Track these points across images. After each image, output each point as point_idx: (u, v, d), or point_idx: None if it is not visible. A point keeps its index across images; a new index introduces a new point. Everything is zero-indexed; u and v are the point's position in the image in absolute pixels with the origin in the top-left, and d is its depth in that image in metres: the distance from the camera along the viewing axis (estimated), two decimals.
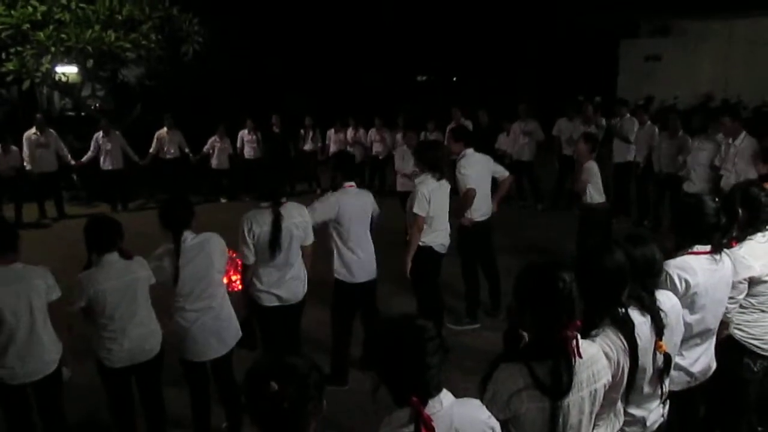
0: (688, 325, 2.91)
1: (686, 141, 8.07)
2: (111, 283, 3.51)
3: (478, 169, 5.77)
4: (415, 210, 5.12)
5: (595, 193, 6.38)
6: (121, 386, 3.71)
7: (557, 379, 2.06)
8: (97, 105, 14.08)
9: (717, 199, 3.10)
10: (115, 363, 3.61)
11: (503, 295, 5.96)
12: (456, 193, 5.62)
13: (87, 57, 11.63)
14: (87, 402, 4.35)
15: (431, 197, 5.12)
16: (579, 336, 2.14)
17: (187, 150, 11.92)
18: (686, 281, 2.91)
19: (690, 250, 3.00)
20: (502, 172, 6.04)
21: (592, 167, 6.38)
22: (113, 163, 11.08)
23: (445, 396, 1.90)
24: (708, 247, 3.00)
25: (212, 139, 12.10)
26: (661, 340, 2.50)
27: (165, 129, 11.77)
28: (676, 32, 22.28)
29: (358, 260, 4.77)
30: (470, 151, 5.83)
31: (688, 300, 2.93)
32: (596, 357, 2.22)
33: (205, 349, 3.86)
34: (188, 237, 3.75)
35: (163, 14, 12.24)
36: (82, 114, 13.89)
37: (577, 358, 2.10)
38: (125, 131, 11.58)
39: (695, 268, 2.95)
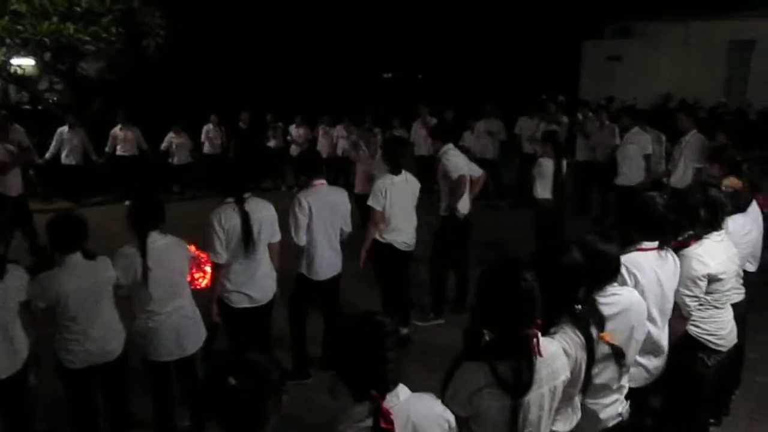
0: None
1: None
2: (74, 284, 3.43)
3: (460, 162, 5.85)
4: (370, 202, 5.17)
5: (540, 189, 6.67)
6: (83, 388, 3.64)
7: (518, 377, 2.09)
8: (55, 99, 13.73)
9: (665, 195, 3.21)
10: (76, 364, 3.54)
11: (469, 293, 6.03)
12: (423, 192, 5.65)
13: (44, 49, 11.32)
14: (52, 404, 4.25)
15: (388, 193, 5.14)
16: (540, 334, 2.18)
17: (144, 147, 11.68)
18: (635, 276, 3.01)
19: (638, 247, 3.11)
20: (477, 170, 6.10)
21: (543, 164, 6.68)
22: (75, 159, 10.83)
23: (402, 390, 1.94)
24: (655, 244, 3.10)
25: (169, 135, 11.89)
26: (602, 331, 2.56)
27: (118, 126, 11.49)
28: (637, 34, 22.77)
29: (323, 258, 4.76)
30: (450, 146, 5.92)
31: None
32: (556, 354, 2.27)
33: (170, 349, 3.81)
34: (157, 238, 3.70)
35: (124, 7, 11.93)
36: (39, 108, 13.53)
37: (537, 356, 2.14)
38: (85, 126, 11.32)
39: (643, 264, 3.06)
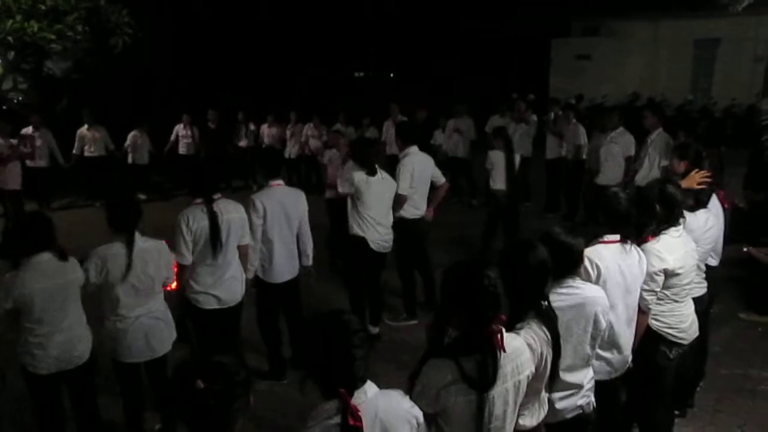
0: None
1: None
2: (40, 285, 3.37)
3: (419, 169, 5.76)
4: (340, 189, 5.32)
5: (497, 180, 7.12)
6: (48, 393, 3.57)
7: (484, 372, 2.13)
8: (20, 98, 13.44)
9: (628, 191, 3.28)
10: (40, 369, 3.47)
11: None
12: None
13: (8, 48, 11.08)
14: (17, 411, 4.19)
15: (358, 184, 5.16)
16: (504, 330, 2.21)
17: (111, 147, 11.52)
18: (597, 266, 3.08)
19: (601, 240, 3.19)
20: (440, 178, 6.08)
21: (492, 156, 7.29)
22: (42, 161, 10.58)
23: (370, 387, 1.97)
24: (617, 237, 3.18)
25: (133, 133, 11.74)
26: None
27: (85, 126, 11.33)
28: (605, 32, 23.06)
29: (276, 261, 4.69)
30: (414, 149, 5.82)
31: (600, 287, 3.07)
32: (520, 350, 2.31)
33: (139, 350, 3.76)
34: (136, 239, 3.65)
35: (90, 5, 11.73)
36: (3, 108, 13.25)
37: (502, 351, 2.17)
38: (50, 126, 11.11)
39: (605, 255, 3.12)
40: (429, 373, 2.17)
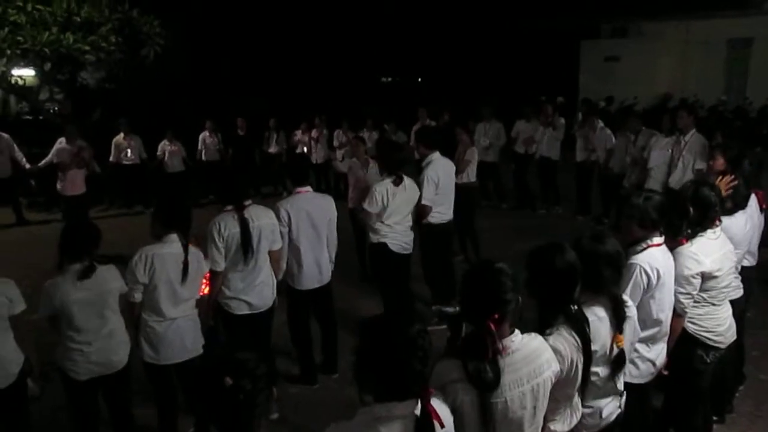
0: (656, 321, 3.08)
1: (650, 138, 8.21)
2: (80, 293, 3.43)
3: (443, 175, 5.72)
4: (365, 205, 5.20)
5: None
6: (87, 399, 3.63)
7: (481, 373, 2.09)
8: (56, 108, 13.78)
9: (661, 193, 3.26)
10: (81, 375, 3.52)
11: None
12: None
13: (44, 60, 11.38)
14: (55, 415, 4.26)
15: (385, 197, 5.14)
16: (518, 333, 2.20)
17: (144, 156, 11.74)
18: (658, 271, 3.04)
19: (650, 243, 3.12)
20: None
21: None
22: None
23: None
24: (661, 239, 3.14)
25: (162, 143, 11.94)
26: (621, 333, 2.58)
27: (121, 135, 11.57)
28: (635, 33, 22.78)
29: (304, 268, 4.70)
30: (436, 155, 5.78)
31: (656, 291, 3.06)
32: (538, 351, 2.26)
33: (178, 350, 3.82)
34: (175, 242, 3.72)
35: (122, 16, 12.01)
36: (40, 118, 13.58)
37: (505, 353, 2.14)
38: (85, 135, 11.35)
39: (659, 258, 3.10)
40: (438, 372, 2.17)
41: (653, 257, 3.07)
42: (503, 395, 2.13)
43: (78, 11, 11.41)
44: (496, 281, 2.14)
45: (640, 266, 3.01)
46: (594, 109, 10.76)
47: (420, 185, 5.57)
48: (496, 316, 2.12)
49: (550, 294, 2.41)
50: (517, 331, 2.21)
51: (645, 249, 3.10)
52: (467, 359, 2.11)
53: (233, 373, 1.78)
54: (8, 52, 10.72)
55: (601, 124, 9.60)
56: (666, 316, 3.17)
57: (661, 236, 3.15)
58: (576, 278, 2.47)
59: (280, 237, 4.43)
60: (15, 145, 10.40)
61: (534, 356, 2.23)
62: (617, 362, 2.62)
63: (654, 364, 3.18)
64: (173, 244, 3.72)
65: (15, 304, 3.44)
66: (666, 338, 3.24)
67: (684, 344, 3.37)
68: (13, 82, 12.02)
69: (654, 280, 3.03)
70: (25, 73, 12.32)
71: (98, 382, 3.60)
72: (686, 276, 3.23)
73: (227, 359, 1.85)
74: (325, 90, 19.76)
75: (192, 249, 3.81)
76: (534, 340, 2.28)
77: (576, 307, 2.49)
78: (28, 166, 10.39)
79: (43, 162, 9.68)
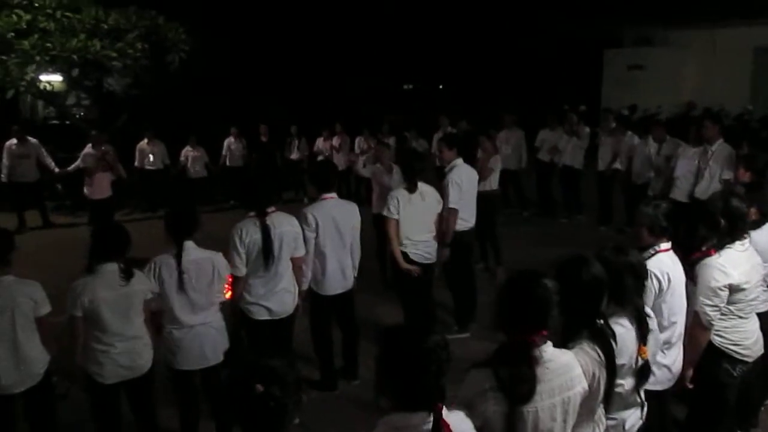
0: (670, 325, 3.08)
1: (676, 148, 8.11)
2: (107, 293, 3.48)
3: (466, 181, 5.74)
4: (384, 212, 5.19)
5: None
6: (110, 403, 3.66)
7: (517, 384, 2.08)
8: (82, 114, 14.01)
9: (676, 203, 3.27)
10: (107, 379, 3.57)
11: (488, 304, 5.99)
12: None
13: (72, 66, 11.57)
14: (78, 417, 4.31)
15: (402, 203, 5.14)
16: (550, 345, 2.18)
17: (167, 161, 11.86)
18: (668, 275, 3.06)
19: (659, 249, 3.17)
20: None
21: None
22: None
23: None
24: (669, 245, 3.18)
25: (185, 149, 12.05)
26: (645, 345, 2.56)
27: (145, 140, 11.70)
28: (659, 42, 22.57)
29: (328, 274, 4.72)
30: (460, 161, 5.81)
31: (667, 295, 3.07)
32: (570, 365, 2.25)
33: (198, 358, 3.86)
34: (191, 249, 3.75)
35: (149, 23, 12.18)
36: (67, 123, 13.81)
37: (543, 366, 2.13)
38: (110, 140, 11.51)
39: (668, 263, 3.13)
40: (468, 383, 2.16)
41: (662, 262, 3.10)
42: (535, 405, 2.11)
43: (105, 18, 11.60)
44: (544, 299, 2.11)
45: (651, 271, 2.99)
46: (623, 119, 10.67)
47: (444, 190, 5.57)
48: (545, 333, 2.13)
49: (575, 308, 2.39)
50: (549, 342, 2.19)
51: (654, 254, 3.15)
52: (500, 368, 2.09)
53: (264, 380, 1.77)
54: (37, 58, 10.91)
55: (629, 132, 9.52)
56: (679, 320, 3.17)
57: (668, 242, 3.18)
58: (602, 292, 2.45)
59: (302, 244, 4.44)
60: (43, 150, 10.59)
61: (565, 369, 2.22)
62: (642, 374, 2.59)
63: (670, 369, 3.17)
64: (188, 251, 3.74)
65: (40, 305, 3.51)
66: (680, 343, 3.23)
67: (710, 357, 3.33)
68: (41, 87, 12.24)
69: (665, 285, 3.06)
70: (53, 79, 12.53)
71: (123, 385, 3.64)
72: (713, 288, 3.20)
73: (258, 366, 1.84)
74: (346, 97, 19.85)
75: (208, 255, 3.83)
76: (564, 354, 2.27)
77: (602, 321, 2.47)
78: (56, 170, 10.58)
79: (72, 167, 9.84)
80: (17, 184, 10.37)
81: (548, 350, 2.18)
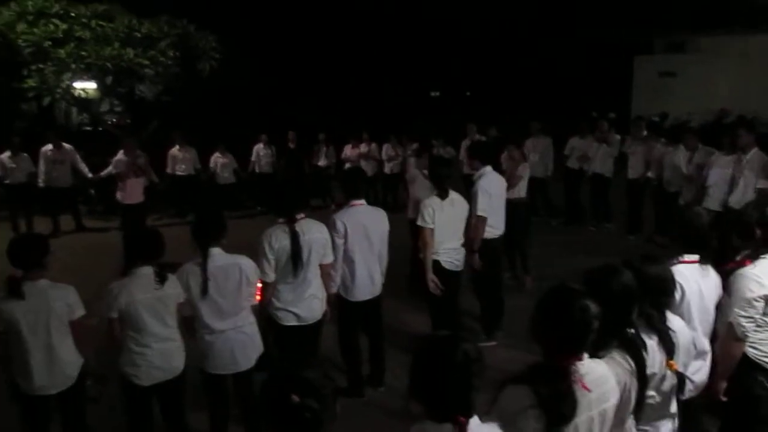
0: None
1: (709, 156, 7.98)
2: (143, 296, 3.55)
3: (494, 188, 5.72)
4: (419, 222, 5.18)
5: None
6: (144, 404, 3.73)
7: (557, 405, 2.06)
8: (114, 120, 14.28)
9: (709, 212, 3.21)
10: (143, 381, 3.63)
11: (516, 313, 5.96)
12: None
13: (106, 73, 11.83)
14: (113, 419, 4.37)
15: (435, 212, 5.13)
16: (586, 357, 2.15)
17: (198, 167, 12.04)
18: (682, 287, 3.00)
19: (681, 259, 3.12)
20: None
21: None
22: None
23: (473, 418, 1.93)
24: (696, 257, 3.11)
25: (214, 155, 12.20)
26: (672, 359, 2.52)
27: (176, 147, 11.90)
28: (691, 48, 22.26)
29: (357, 280, 4.74)
30: (489, 169, 5.79)
31: (684, 308, 3.03)
32: (605, 378, 2.23)
33: (228, 362, 3.90)
34: (217, 255, 3.78)
35: (180, 32, 12.43)
36: (99, 129, 14.09)
37: (582, 387, 2.10)
38: (141, 146, 11.71)
39: (686, 275, 3.06)
40: (505, 400, 2.13)
41: (679, 273, 3.01)
42: (574, 420, 2.09)
43: (138, 27, 11.88)
44: (586, 322, 2.08)
45: None
46: (654, 126, 10.52)
47: (473, 197, 5.56)
48: (583, 355, 2.11)
49: (605, 317, 2.36)
50: (585, 355, 2.17)
51: (675, 264, 3.09)
52: (539, 386, 2.07)
53: (300, 392, 1.76)
54: (73, 66, 11.20)
55: (661, 140, 9.39)
56: (698, 335, 3.09)
57: (694, 254, 3.12)
58: (633, 301, 2.42)
59: (331, 251, 4.46)
60: (78, 156, 10.83)
61: (601, 382, 2.20)
62: (678, 385, 2.55)
63: (691, 380, 3.08)
64: (214, 258, 3.77)
65: (74, 309, 3.58)
66: (703, 358, 3.17)
67: (744, 369, 3.26)
68: (76, 94, 12.53)
69: (678, 296, 2.98)
70: (87, 86, 12.82)
71: (156, 388, 3.70)
72: (748, 299, 3.13)
73: (295, 376, 1.83)
74: (374, 104, 19.92)
75: (235, 260, 3.85)
76: (599, 366, 2.25)
77: (633, 330, 2.43)
78: (90, 176, 10.79)
79: (105, 172, 10.03)
80: (52, 189, 10.61)
81: (585, 363, 2.16)
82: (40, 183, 10.53)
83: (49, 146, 10.56)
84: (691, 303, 3.01)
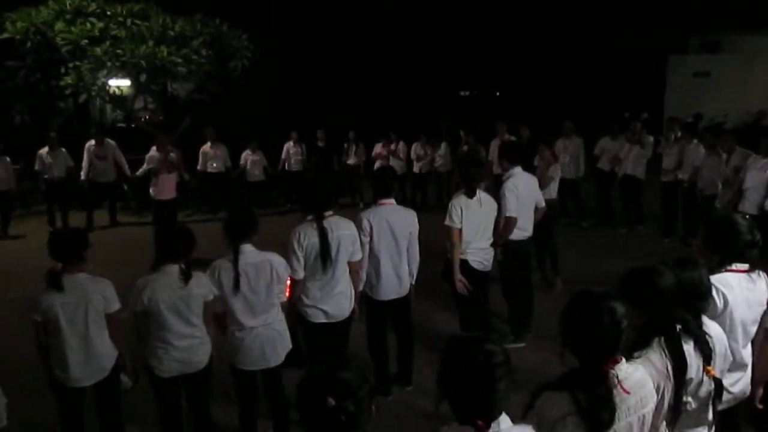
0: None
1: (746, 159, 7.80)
2: (165, 294, 3.60)
3: (523, 189, 5.65)
4: (447, 222, 5.15)
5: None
6: (171, 396, 3.80)
7: (596, 411, 2.04)
8: (147, 117, 14.51)
9: (747, 216, 3.10)
10: (165, 372, 3.71)
11: (545, 314, 5.92)
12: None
13: (140, 71, 12.03)
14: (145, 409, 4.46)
15: (463, 211, 5.11)
16: (623, 362, 2.13)
17: (229, 164, 12.17)
18: (724, 296, 2.93)
19: (729, 268, 3.03)
20: (540, 202, 5.99)
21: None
22: None
23: (504, 420, 1.91)
24: (746, 266, 3.02)
25: (245, 153, 12.32)
26: (709, 364, 2.48)
27: (208, 144, 12.05)
28: (727, 48, 21.81)
29: (383, 279, 4.74)
30: (518, 170, 5.72)
31: (726, 318, 2.94)
32: (643, 381, 2.20)
33: (257, 359, 3.94)
34: (248, 252, 3.82)
35: (213, 31, 12.59)
36: (133, 126, 14.34)
37: (621, 391, 2.08)
38: (174, 143, 11.86)
39: (733, 284, 2.98)
40: (544, 406, 2.10)
41: (725, 281, 2.95)
42: (614, 426, 2.07)
43: (172, 26, 12.05)
44: (613, 327, 2.05)
45: (713, 286, 2.86)
46: (689, 125, 10.30)
47: (501, 198, 5.52)
48: (619, 358, 2.09)
49: (647, 317, 2.32)
50: (623, 359, 2.14)
51: (721, 272, 3.01)
52: (577, 392, 2.05)
53: (337, 394, 1.75)
54: (108, 64, 11.40)
55: (695, 141, 9.21)
56: (739, 346, 3.01)
57: (744, 263, 3.02)
58: (674, 302, 2.39)
59: (359, 248, 4.48)
60: (119, 152, 11.09)
61: (639, 386, 2.17)
62: (716, 392, 2.51)
63: (729, 391, 2.99)
64: (245, 254, 3.81)
65: (110, 302, 3.66)
66: (743, 370, 3.09)
67: None
68: (111, 92, 12.76)
69: (720, 305, 2.91)
70: (121, 84, 13.05)
71: (181, 380, 3.77)
72: None
73: (331, 378, 1.82)
74: (404, 102, 19.91)
75: (266, 257, 3.88)
76: (637, 370, 2.22)
77: (677, 329, 2.40)
78: (129, 173, 10.99)
79: (141, 170, 10.20)
80: (94, 183, 10.94)
81: (622, 368, 2.13)
82: (83, 177, 10.80)
83: (92, 141, 10.84)
84: (734, 313, 2.93)
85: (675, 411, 2.40)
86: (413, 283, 4.98)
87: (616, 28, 21.30)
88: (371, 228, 4.62)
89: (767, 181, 6.96)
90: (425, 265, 5.05)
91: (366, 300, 4.84)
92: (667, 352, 2.37)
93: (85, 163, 10.84)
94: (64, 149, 10.81)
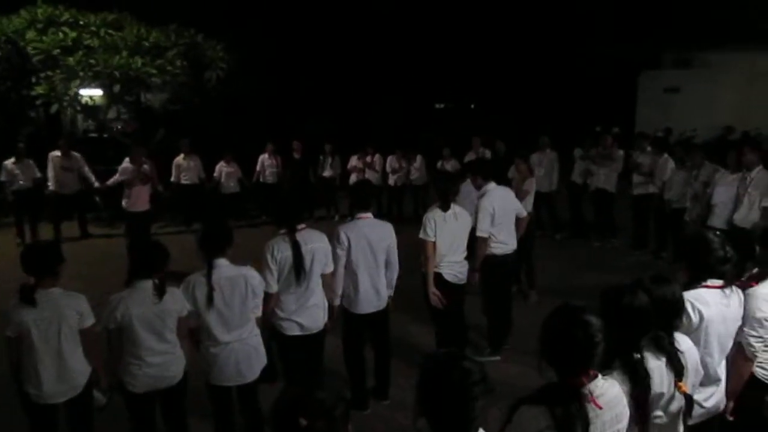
0: (702, 363, 2.93)
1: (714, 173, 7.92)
2: (139, 310, 3.54)
3: (500, 205, 5.67)
4: (421, 235, 5.16)
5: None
6: (144, 411, 3.73)
7: (570, 426, 2.06)
8: (119, 127, 14.32)
9: (718, 233, 3.15)
10: (138, 388, 3.64)
11: (522, 328, 5.94)
12: None
13: (114, 82, 11.88)
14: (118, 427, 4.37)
15: (437, 225, 5.12)
16: (599, 379, 2.15)
17: (203, 176, 12.05)
18: (700, 312, 2.96)
19: (704, 284, 3.05)
20: (521, 211, 6.03)
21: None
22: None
23: None
24: (720, 282, 3.05)
25: (220, 164, 12.20)
26: (681, 380, 2.51)
27: (182, 155, 11.92)
28: (698, 64, 22.29)
29: (360, 293, 4.73)
30: (492, 185, 5.76)
31: (701, 333, 2.97)
32: (618, 398, 2.22)
33: (232, 375, 3.89)
34: (223, 266, 3.79)
35: (188, 41, 12.52)
36: (105, 136, 14.15)
37: (594, 406, 2.10)
38: (148, 155, 11.72)
39: (709, 300, 3.00)
40: (521, 420, 2.12)
41: (701, 298, 2.98)
42: None
43: (147, 36, 11.97)
44: (587, 340, 2.09)
45: (687, 302, 2.89)
46: (659, 141, 10.45)
47: (475, 217, 5.54)
48: (592, 372, 2.11)
49: (613, 337, 2.35)
50: (599, 376, 2.17)
51: (696, 288, 3.04)
52: (555, 407, 2.07)
53: (309, 414, 1.72)
54: (81, 74, 11.26)
55: (665, 155, 9.38)
56: (714, 361, 3.05)
57: (718, 279, 3.05)
58: (646, 323, 2.43)
59: (332, 261, 4.47)
60: (85, 164, 10.86)
61: (614, 403, 2.19)
62: (686, 407, 2.54)
63: (702, 406, 3.06)
64: (220, 269, 3.77)
65: (85, 318, 3.59)
66: (716, 385, 3.12)
67: (752, 390, 3.25)
68: (84, 102, 12.58)
69: (695, 321, 2.94)
70: (93, 93, 12.87)
71: (154, 395, 3.70)
72: (759, 318, 3.12)
73: (304, 398, 1.79)
74: (380, 115, 19.97)
75: (241, 271, 3.84)
76: (613, 386, 2.24)
77: (639, 355, 2.43)
78: (97, 184, 10.80)
79: (111, 180, 10.04)
80: (59, 195, 10.66)
81: (599, 384, 2.16)
82: (51, 187, 10.56)
83: (57, 152, 10.60)
84: (709, 328, 2.97)
85: (643, 426, 2.42)
86: (392, 294, 4.98)
87: (591, 43, 21.64)
88: (349, 242, 4.61)
89: (734, 196, 7.08)
90: (400, 278, 5.05)
91: (343, 313, 4.81)
92: (629, 373, 2.40)
93: (50, 173, 10.57)
94: (31, 160, 10.57)
